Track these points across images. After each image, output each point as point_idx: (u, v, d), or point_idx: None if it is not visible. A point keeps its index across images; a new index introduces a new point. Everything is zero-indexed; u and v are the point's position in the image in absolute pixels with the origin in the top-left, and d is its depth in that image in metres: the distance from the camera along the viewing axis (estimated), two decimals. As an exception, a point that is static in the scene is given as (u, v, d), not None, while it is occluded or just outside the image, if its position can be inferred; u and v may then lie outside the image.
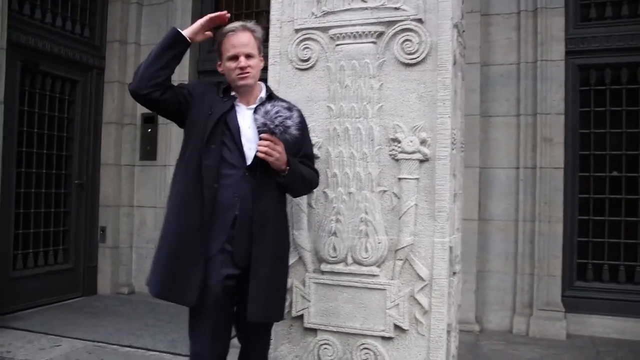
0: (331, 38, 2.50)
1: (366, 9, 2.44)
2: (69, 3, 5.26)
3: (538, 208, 4.43)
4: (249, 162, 2.08)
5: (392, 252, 2.40)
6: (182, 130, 2.21)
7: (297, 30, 2.56)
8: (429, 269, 2.35)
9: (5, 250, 4.56)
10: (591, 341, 4.20)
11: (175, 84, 2.17)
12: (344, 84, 2.46)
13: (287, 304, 2.44)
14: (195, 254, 2.02)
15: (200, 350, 2.10)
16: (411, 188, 2.37)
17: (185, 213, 2.04)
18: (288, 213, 2.39)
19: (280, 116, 1.99)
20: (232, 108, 2.14)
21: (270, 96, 2.22)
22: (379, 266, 2.41)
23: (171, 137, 5.38)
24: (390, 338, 2.39)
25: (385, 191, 2.42)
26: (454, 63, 2.40)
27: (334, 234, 2.47)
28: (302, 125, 2.17)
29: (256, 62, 2.15)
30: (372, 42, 2.43)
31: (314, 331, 2.52)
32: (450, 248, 2.43)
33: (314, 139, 2.43)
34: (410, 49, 2.38)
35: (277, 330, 2.55)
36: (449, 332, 2.44)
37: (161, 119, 5.46)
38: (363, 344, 2.42)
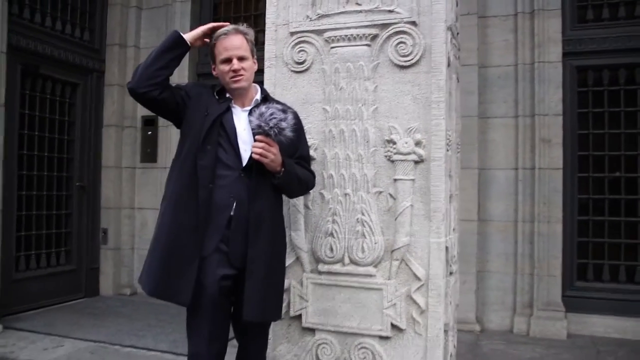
0: (326, 41, 2.52)
1: (360, 11, 2.46)
2: (69, 7, 5.31)
3: (537, 209, 4.45)
4: (244, 163, 2.10)
5: (389, 253, 2.41)
6: (182, 132, 2.23)
7: (292, 33, 2.58)
8: (425, 268, 2.37)
9: (8, 252, 4.59)
10: (592, 341, 4.21)
11: (181, 84, 2.20)
12: (339, 86, 2.48)
13: (285, 304, 2.47)
14: (190, 253, 2.04)
15: (198, 350, 2.11)
16: (407, 189, 2.39)
17: (180, 213, 2.06)
18: (285, 214, 2.42)
19: (274, 118, 2.00)
20: (228, 109, 2.16)
21: (266, 98, 2.24)
22: (375, 266, 2.43)
23: (171, 139, 5.41)
24: (387, 337, 2.40)
25: (381, 192, 2.44)
26: (448, 65, 2.42)
27: (331, 234, 2.48)
28: (298, 127, 2.19)
29: (249, 65, 2.17)
30: (367, 45, 2.45)
31: (312, 331, 2.53)
32: (447, 248, 2.45)
33: (309, 140, 2.45)
34: (404, 51, 2.40)
35: (276, 329, 2.57)
36: (446, 331, 2.46)
37: (161, 122, 5.50)
38: (361, 343, 2.44)
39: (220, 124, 2.12)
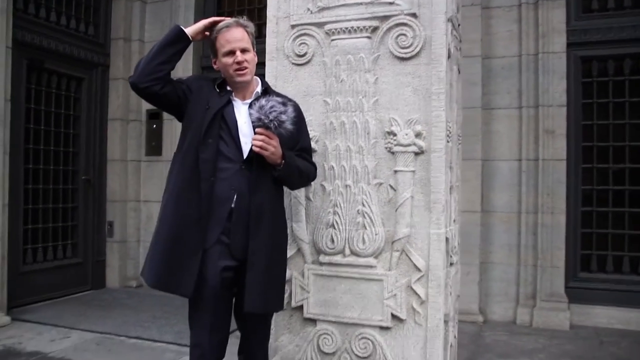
0: (327, 33, 2.53)
1: (361, 4, 2.46)
2: (73, 1, 5.33)
3: (541, 200, 4.45)
4: (245, 156, 2.11)
5: (389, 244, 2.43)
6: (186, 125, 2.25)
7: (293, 26, 2.59)
8: (426, 259, 2.38)
9: (15, 245, 4.65)
10: (595, 332, 4.21)
11: (183, 78, 2.21)
12: (340, 78, 2.49)
13: (286, 294, 2.48)
14: (193, 246, 2.06)
15: (200, 340, 2.14)
16: (407, 180, 2.40)
17: (182, 206, 2.08)
18: (287, 206, 2.43)
19: (274, 111, 2.01)
20: (229, 102, 2.17)
21: (266, 91, 2.24)
22: (376, 257, 2.45)
23: (176, 132, 5.36)
24: (388, 328, 2.43)
25: (381, 183, 2.45)
26: (449, 57, 2.42)
27: (332, 225, 2.50)
28: (298, 119, 2.20)
29: (252, 57, 2.17)
30: (367, 37, 2.45)
31: (313, 321, 2.56)
32: (447, 239, 2.46)
33: (311, 132, 2.45)
34: (404, 43, 2.40)
35: (278, 320, 2.59)
36: (446, 321, 2.47)
37: (166, 115, 5.51)
38: (361, 333, 2.46)
39: (221, 117, 2.13)
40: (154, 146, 5.78)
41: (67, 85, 5.34)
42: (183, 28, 2.18)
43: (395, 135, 2.41)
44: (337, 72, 2.50)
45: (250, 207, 2.09)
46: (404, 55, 2.41)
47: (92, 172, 5.57)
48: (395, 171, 2.42)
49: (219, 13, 5.48)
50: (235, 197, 2.09)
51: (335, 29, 2.50)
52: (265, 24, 2.67)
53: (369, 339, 2.45)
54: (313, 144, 2.48)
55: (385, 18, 2.43)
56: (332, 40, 2.51)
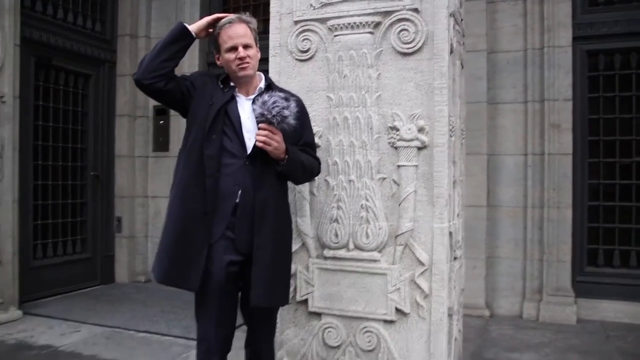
0: (329, 29, 2.54)
1: (363, -1, 2.47)
2: (80, -1, 5.37)
3: (547, 194, 4.44)
4: (249, 151, 2.13)
5: (393, 238, 2.44)
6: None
7: (296, 22, 2.60)
8: (429, 253, 2.40)
9: (25, 241, 4.71)
10: (602, 326, 4.21)
11: (187, 74, 2.23)
12: (343, 73, 2.50)
13: (291, 289, 2.50)
14: (199, 241, 2.08)
15: (206, 334, 2.16)
16: (410, 175, 2.41)
17: (187, 202, 2.10)
18: (291, 201, 2.45)
19: (277, 106, 2.03)
20: (233, 98, 2.19)
21: (270, 86, 2.25)
22: (379, 251, 2.46)
23: (183, 128, 5.39)
24: (392, 321, 2.44)
25: (384, 178, 2.46)
26: (451, 52, 2.43)
27: (336, 220, 2.52)
28: (301, 114, 2.21)
29: (254, 53, 2.18)
30: (370, 32, 2.46)
31: (318, 315, 2.58)
32: (450, 233, 2.47)
33: (314, 128, 2.47)
34: (407, 38, 2.41)
35: (283, 314, 2.61)
36: (450, 315, 2.48)
37: (173, 111, 5.53)
38: (366, 327, 2.48)
39: (225, 113, 2.15)
40: (161, 142, 5.82)
41: (74, 82, 5.39)
42: (187, 25, 2.19)
43: (398, 130, 2.42)
44: (340, 68, 2.51)
45: (254, 203, 2.10)
46: (406, 51, 2.42)
47: (100, 168, 5.62)
48: (399, 166, 2.43)
49: (224, 9, 5.49)
50: (239, 192, 2.11)
51: (338, 25, 2.51)
52: (267, 19, 2.68)
53: (373, 332, 2.47)
54: (317, 139, 2.50)
55: (388, 13, 2.44)
56: (335, 36, 2.52)
